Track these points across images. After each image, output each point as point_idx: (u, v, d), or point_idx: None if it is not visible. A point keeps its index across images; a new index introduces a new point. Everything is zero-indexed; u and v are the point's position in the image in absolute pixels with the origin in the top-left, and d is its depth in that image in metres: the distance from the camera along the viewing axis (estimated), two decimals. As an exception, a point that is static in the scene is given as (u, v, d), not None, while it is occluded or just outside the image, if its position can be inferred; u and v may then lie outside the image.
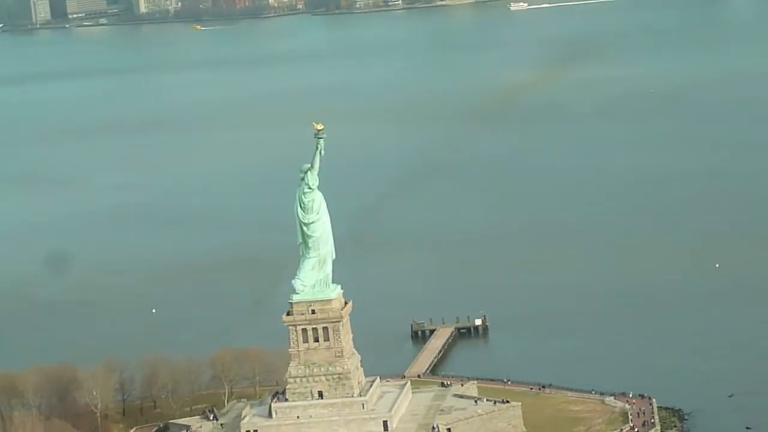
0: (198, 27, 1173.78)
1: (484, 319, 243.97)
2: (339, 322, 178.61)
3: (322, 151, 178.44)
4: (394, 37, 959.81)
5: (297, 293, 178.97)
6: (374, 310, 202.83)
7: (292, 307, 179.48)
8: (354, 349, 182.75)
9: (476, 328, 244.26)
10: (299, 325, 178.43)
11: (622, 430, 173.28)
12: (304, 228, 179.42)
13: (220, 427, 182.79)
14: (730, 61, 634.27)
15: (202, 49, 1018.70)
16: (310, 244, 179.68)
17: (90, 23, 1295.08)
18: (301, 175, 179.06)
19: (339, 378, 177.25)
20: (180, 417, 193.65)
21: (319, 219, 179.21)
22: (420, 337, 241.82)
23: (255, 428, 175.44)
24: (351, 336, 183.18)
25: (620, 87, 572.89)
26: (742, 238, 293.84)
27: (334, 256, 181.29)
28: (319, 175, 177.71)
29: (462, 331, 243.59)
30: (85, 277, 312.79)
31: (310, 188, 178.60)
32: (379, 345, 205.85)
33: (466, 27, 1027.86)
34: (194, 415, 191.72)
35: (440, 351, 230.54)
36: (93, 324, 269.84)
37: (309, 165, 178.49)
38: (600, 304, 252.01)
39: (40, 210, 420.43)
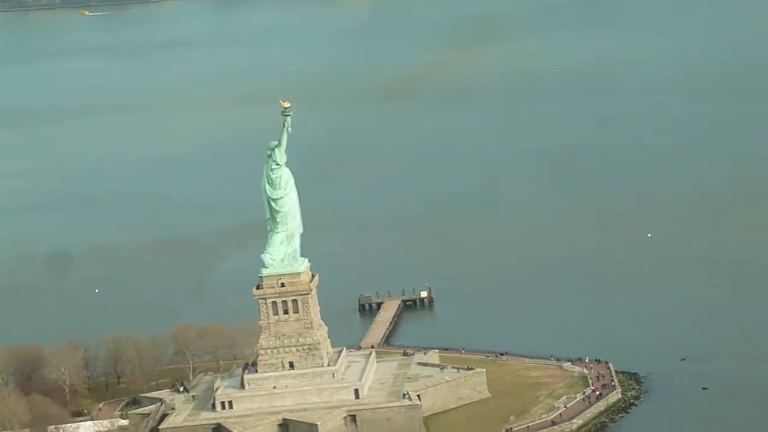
0: (86, 12, 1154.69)
1: (430, 291, 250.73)
2: (308, 294, 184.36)
3: (289, 129, 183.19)
4: (288, 22, 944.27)
5: (266, 267, 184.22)
6: (320, 285, 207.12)
7: (261, 281, 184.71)
8: (321, 321, 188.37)
9: (422, 300, 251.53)
10: (269, 298, 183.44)
11: (584, 392, 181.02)
12: (273, 203, 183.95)
13: (191, 399, 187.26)
14: (625, 40, 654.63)
15: (90, 35, 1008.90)
16: (278, 219, 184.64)
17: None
18: (268, 152, 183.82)
19: (309, 348, 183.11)
20: (147, 391, 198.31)
21: (287, 194, 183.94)
22: (367, 310, 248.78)
23: (229, 399, 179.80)
24: (318, 308, 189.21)
25: (523, 65, 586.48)
26: (664, 209, 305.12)
27: (301, 230, 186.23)
28: (286, 151, 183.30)
29: (408, 303, 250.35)
30: (20, 261, 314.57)
31: (277, 164, 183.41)
32: (327, 318, 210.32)
33: (361, 11, 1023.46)
34: (162, 389, 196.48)
35: (390, 322, 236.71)
36: (43, 305, 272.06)
37: (276, 142, 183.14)
38: (538, 275, 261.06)
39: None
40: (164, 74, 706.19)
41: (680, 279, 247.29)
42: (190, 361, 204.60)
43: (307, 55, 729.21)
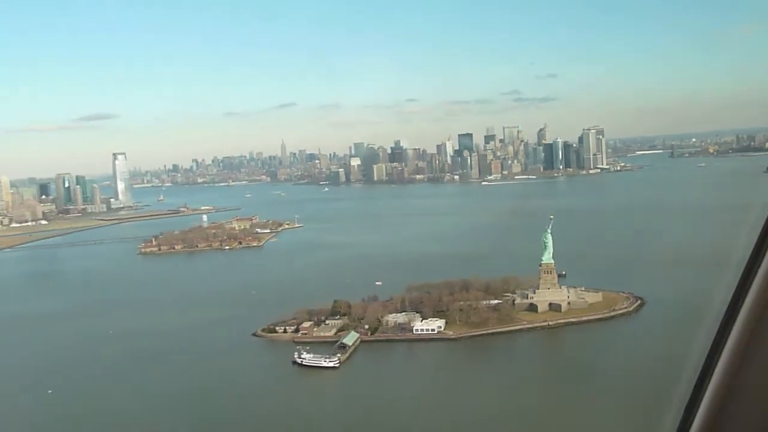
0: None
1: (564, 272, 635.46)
2: (552, 268, 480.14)
3: (552, 220, 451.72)
4: (438, 192, 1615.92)
5: (543, 261, 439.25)
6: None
7: (541, 265, 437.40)
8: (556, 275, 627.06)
9: (562, 275, 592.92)
10: (543, 270, 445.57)
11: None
12: (546, 244, 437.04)
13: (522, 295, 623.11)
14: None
15: (389, 193, 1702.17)
16: (546, 248, 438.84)
17: (358, 183, 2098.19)
18: (546, 227, 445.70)
19: (554, 283, 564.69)
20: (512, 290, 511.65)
21: (550, 241, 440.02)
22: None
23: (531, 295, 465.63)
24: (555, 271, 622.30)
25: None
26: None
27: (552, 251, 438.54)
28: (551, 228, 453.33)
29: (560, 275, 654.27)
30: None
31: (548, 233, 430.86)
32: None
33: (459, 191, 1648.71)
34: (506, 293, 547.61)
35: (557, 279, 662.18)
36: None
37: (548, 227, 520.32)
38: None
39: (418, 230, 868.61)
40: (411, 205, 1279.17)
41: None
42: (512, 285, 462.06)
43: (448, 204, 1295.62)
